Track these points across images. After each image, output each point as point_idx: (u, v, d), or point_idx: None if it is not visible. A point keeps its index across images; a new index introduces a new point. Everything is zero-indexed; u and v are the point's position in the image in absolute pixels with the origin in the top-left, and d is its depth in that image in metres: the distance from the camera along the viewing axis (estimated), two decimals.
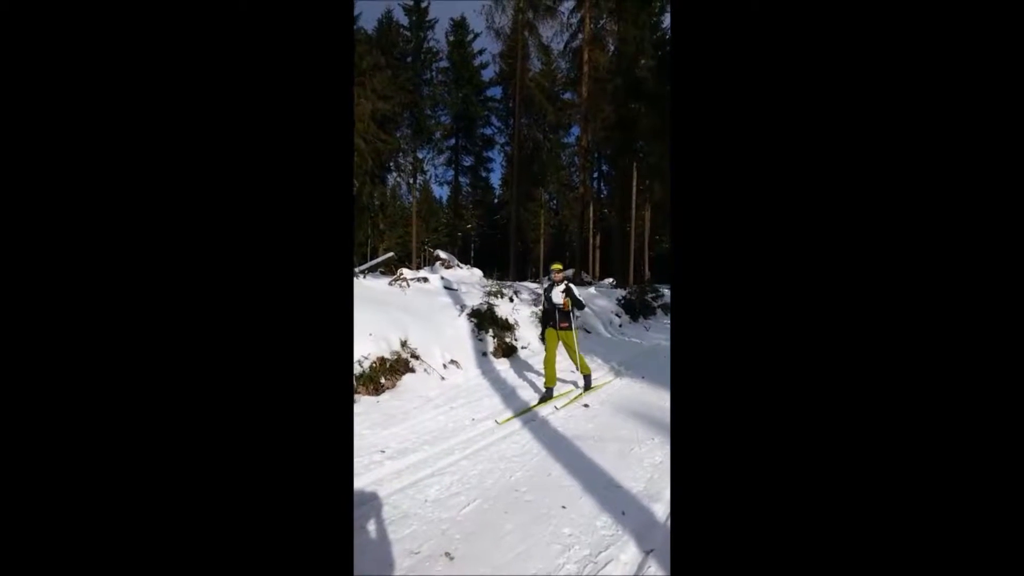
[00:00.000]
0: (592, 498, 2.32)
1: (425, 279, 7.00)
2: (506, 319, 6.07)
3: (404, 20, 20.54)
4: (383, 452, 2.84)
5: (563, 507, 2.23)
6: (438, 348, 4.92)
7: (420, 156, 21.60)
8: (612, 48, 16.39)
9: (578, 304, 4.31)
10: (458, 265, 9.20)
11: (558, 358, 4.27)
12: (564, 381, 4.53)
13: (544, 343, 4.48)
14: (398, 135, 18.43)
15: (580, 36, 16.22)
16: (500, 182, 30.01)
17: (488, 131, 23.85)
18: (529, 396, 4.22)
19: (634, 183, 20.42)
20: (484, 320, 5.75)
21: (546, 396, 4.05)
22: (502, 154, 25.00)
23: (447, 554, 1.86)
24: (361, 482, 2.42)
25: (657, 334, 8.60)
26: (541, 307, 4.58)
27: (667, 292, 12.31)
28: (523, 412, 3.70)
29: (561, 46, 16.95)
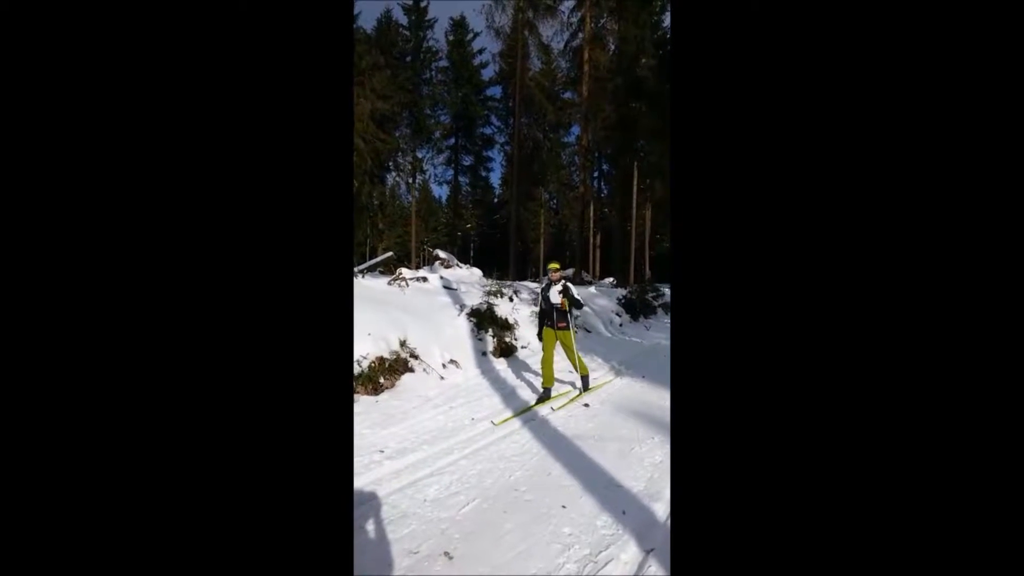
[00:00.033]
0: (592, 497, 2.31)
1: (424, 279, 7.00)
2: (506, 319, 6.07)
3: (403, 19, 20.53)
4: (382, 452, 2.84)
5: (563, 506, 2.23)
6: (437, 348, 4.91)
7: (419, 155, 21.61)
8: (612, 47, 16.39)
9: (576, 303, 4.27)
10: (457, 265, 9.20)
11: (556, 358, 4.25)
12: (562, 382, 4.52)
13: (541, 343, 4.46)
14: (397, 135, 18.42)
15: (580, 35, 16.22)
16: (500, 181, 30.04)
17: (488, 130, 23.86)
18: (529, 396, 4.22)
19: (634, 182, 20.42)
20: (483, 320, 5.75)
21: (544, 396, 4.03)
22: (502, 153, 25.02)
23: (446, 554, 1.86)
24: (360, 482, 2.42)
25: (657, 333, 8.60)
26: (538, 306, 4.54)
27: (667, 291, 12.31)
28: (520, 412, 3.68)
29: (561, 45, 16.97)
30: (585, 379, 4.33)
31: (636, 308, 9.80)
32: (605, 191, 24.69)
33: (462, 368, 4.95)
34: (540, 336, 4.41)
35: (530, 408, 3.81)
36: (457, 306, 5.96)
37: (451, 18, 22.37)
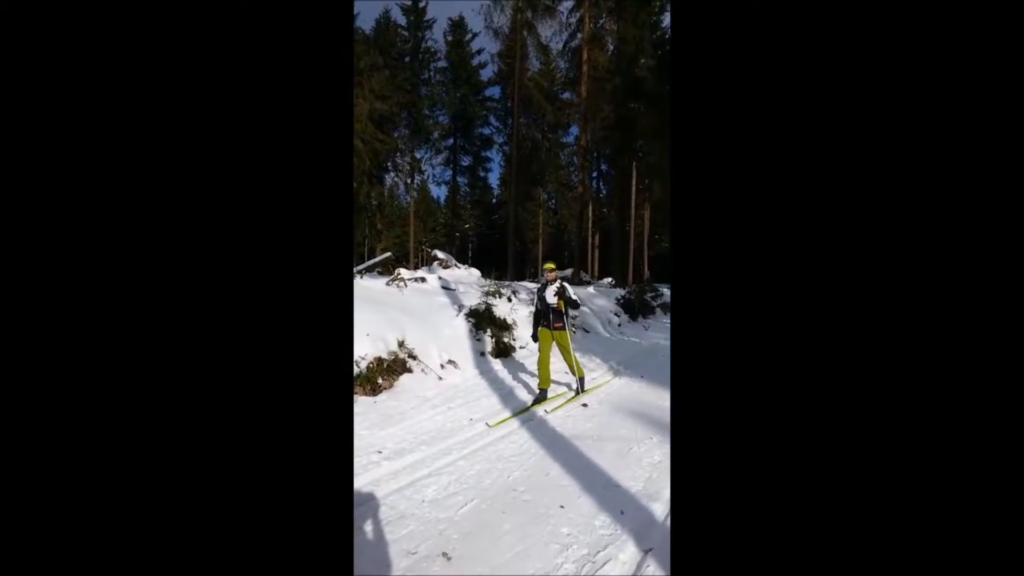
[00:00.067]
0: (590, 497, 2.32)
1: (423, 279, 6.99)
2: (504, 319, 6.07)
3: (402, 20, 20.56)
4: (380, 453, 2.84)
5: (561, 507, 2.23)
6: (436, 348, 4.91)
7: (418, 156, 21.63)
8: (611, 48, 16.40)
9: (572, 304, 4.22)
10: (456, 265, 9.20)
11: (552, 359, 4.24)
12: (558, 383, 4.50)
13: (536, 343, 4.41)
14: (396, 135, 18.43)
15: (579, 35, 16.23)
16: (498, 182, 30.04)
17: (486, 131, 23.88)
18: (526, 397, 4.22)
19: (633, 182, 20.44)
20: (482, 320, 5.75)
21: (540, 398, 4.00)
22: (500, 154, 25.01)
23: (444, 554, 1.86)
24: (358, 483, 2.41)
25: (656, 333, 8.61)
26: (534, 307, 4.51)
27: (666, 291, 12.32)
28: (516, 415, 3.65)
29: (560, 45, 16.99)
30: (581, 381, 4.30)
31: (634, 308, 9.80)
32: (604, 191, 24.71)
33: (460, 368, 4.95)
34: (535, 337, 4.38)
35: (525, 410, 3.78)
36: (455, 306, 5.95)
37: (450, 18, 22.41)
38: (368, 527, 2.04)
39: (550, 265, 4.43)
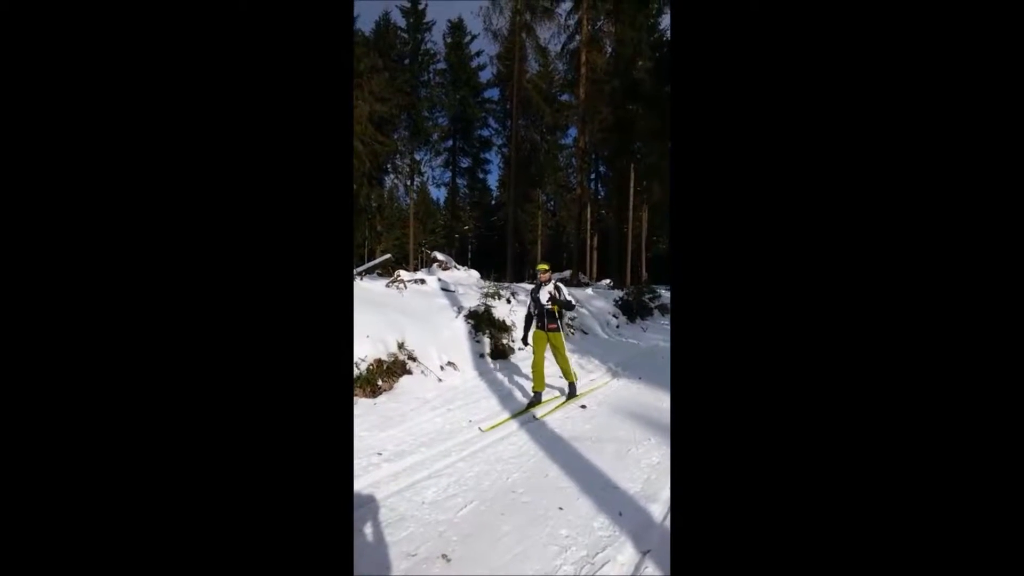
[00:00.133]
0: (589, 499, 2.32)
1: (422, 281, 6.99)
2: (503, 320, 6.07)
3: (401, 22, 20.59)
4: (380, 454, 2.84)
5: (560, 508, 2.23)
6: (435, 350, 4.91)
7: (417, 158, 21.64)
8: (609, 50, 16.43)
9: (567, 305, 4.17)
10: (455, 266, 9.20)
11: (547, 362, 4.19)
12: (552, 387, 4.41)
13: (526, 345, 4.30)
14: (395, 137, 18.44)
15: (577, 38, 16.26)
16: (497, 183, 30.06)
17: (485, 133, 23.91)
18: (525, 399, 4.21)
19: (631, 184, 20.45)
20: (481, 322, 5.75)
21: (534, 401, 3.94)
22: (499, 155, 25.01)
23: (444, 556, 1.86)
24: (358, 484, 2.41)
25: (654, 335, 8.61)
26: (527, 309, 4.43)
27: (664, 293, 12.33)
28: (510, 418, 3.61)
29: (559, 48, 17.01)
30: (572, 386, 4.20)
31: (633, 310, 9.81)
32: (602, 193, 24.74)
33: (460, 370, 4.95)
34: (525, 339, 4.30)
35: (519, 414, 3.73)
36: (455, 308, 5.96)
37: (449, 20, 22.45)
38: (368, 529, 2.04)
39: (543, 266, 4.35)
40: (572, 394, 4.18)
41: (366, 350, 4.24)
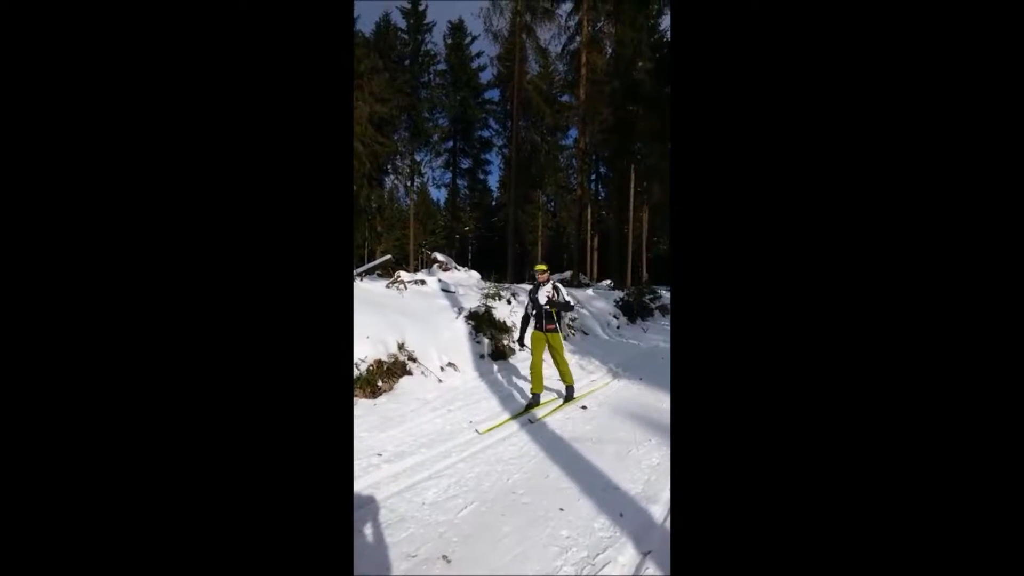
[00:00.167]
0: (590, 500, 2.32)
1: (423, 281, 6.99)
2: (504, 321, 6.07)
3: (402, 23, 20.60)
4: (380, 455, 2.83)
5: (561, 509, 2.23)
6: (435, 350, 4.91)
7: (418, 159, 21.65)
8: (610, 51, 16.44)
9: (565, 306, 4.15)
10: (456, 267, 9.20)
11: (546, 363, 4.16)
12: (550, 389, 4.37)
13: (523, 347, 4.28)
14: (396, 138, 18.46)
15: (578, 39, 16.27)
16: (498, 184, 30.09)
17: (486, 133, 23.91)
18: (525, 400, 4.20)
19: (632, 185, 20.47)
20: (482, 322, 5.75)
21: (532, 403, 3.92)
22: (500, 156, 25.03)
23: (444, 557, 1.86)
24: (358, 485, 2.41)
25: (655, 335, 8.61)
26: (524, 310, 4.41)
27: (665, 293, 12.33)
28: (507, 421, 3.59)
29: (559, 48, 17.02)
30: (570, 389, 4.16)
31: (633, 310, 9.81)
32: (602, 194, 24.75)
33: (460, 371, 4.94)
34: (521, 341, 4.28)
35: (517, 416, 3.71)
36: (455, 309, 5.96)
37: (449, 21, 22.46)
38: (368, 530, 2.04)
39: (542, 267, 4.32)
40: (570, 397, 4.15)
41: (366, 351, 4.24)
